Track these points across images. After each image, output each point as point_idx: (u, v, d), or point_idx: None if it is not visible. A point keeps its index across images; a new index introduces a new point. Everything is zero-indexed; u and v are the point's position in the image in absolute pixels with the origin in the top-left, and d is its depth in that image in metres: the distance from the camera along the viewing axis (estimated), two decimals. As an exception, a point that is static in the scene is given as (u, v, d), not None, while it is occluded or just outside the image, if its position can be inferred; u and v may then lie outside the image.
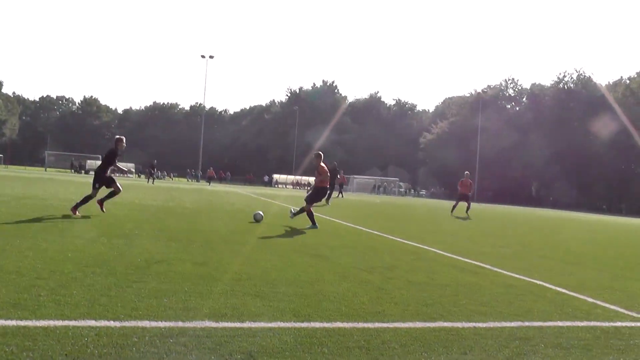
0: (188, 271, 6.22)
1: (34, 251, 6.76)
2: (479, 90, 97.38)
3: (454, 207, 24.93)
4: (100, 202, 12.24)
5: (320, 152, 13.99)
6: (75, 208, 11.57)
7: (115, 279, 5.48)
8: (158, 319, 4.20)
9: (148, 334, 3.84)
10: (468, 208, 24.26)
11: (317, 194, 13.53)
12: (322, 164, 13.56)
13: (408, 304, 5.36)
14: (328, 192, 13.80)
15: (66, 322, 3.94)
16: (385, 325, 4.53)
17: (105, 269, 5.94)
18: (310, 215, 12.74)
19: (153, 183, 44.88)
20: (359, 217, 18.45)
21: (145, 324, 4.07)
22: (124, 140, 12.72)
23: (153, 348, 3.57)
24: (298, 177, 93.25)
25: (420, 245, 10.64)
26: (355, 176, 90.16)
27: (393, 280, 6.56)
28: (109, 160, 12.24)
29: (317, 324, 4.38)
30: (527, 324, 4.94)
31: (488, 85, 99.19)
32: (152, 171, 51.67)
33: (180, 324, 4.14)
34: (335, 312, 4.79)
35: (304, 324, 4.35)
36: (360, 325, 4.46)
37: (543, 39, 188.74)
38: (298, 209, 13.20)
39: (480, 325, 4.77)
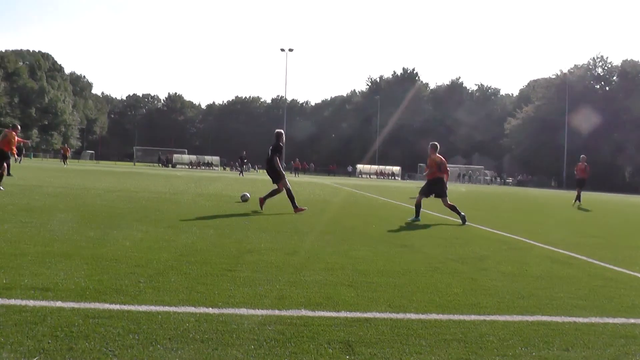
0: (279, 260, 6.27)
1: (130, 241, 7.03)
2: (565, 70, 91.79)
3: (577, 197, 23.21)
4: (262, 200, 12.61)
5: (435, 143, 13.43)
6: (262, 201, 12.49)
7: (210, 268, 5.61)
8: (255, 307, 4.25)
9: (246, 321, 3.89)
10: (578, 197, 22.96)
11: (436, 185, 13.06)
12: (434, 156, 12.93)
13: (503, 296, 5.19)
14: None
15: (166, 308, 4.06)
16: (481, 317, 4.39)
17: (199, 258, 6.09)
18: (418, 207, 12.49)
19: (243, 175, 45.82)
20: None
21: (243, 311, 4.12)
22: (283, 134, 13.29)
23: (252, 335, 3.60)
24: (381, 167, 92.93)
25: (510, 235, 10.32)
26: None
27: (485, 272, 6.38)
28: (278, 154, 12.63)
29: (413, 315, 4.29)
30: (632, 321, 4.62)
31: (575, 65, 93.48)
32: (243, 163, 52.74)
33: (276, 312, 4.17)
34: (430, 304, 4.69)
35: (400, 315, 4.28)
36: (456, 317, 4.34)
37: (634, 8, 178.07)
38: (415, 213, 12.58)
39: (581, 320, 4.51)
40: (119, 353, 3.16)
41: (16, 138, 15.13)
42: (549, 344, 3.83)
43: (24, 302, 4.01)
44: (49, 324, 3.57)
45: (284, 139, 13.03)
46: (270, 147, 12.71)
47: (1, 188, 13.57)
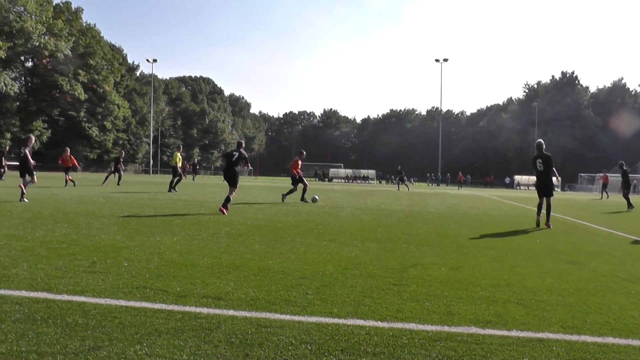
0: (444, 276, 6.17)
1: (294, 253, 7.27)
2: None
3: None
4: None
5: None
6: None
7: (375, 281, 5.64)
8: (424, 322, 4.22)
9: (417, 336, 3.87)
10: None
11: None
12: None
13: (684, 320, 4.70)
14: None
15: (335, 320, 4.15)
16: (663, 344, 4.02)
17: (364, 271, 6.16)
18: None
19: (399, 189, 46.05)
20: (610, 219, 16.87)
21: (412, 326, 4.10)
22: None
23: (423, 350, 3.58)
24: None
25: (693, 252, 9.35)
26: (599, 174, 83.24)
27: (662, 293, 5.82)
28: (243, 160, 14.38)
29: (588, 338, 4.05)
30: None
31: None
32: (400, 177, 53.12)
33: (446, 328, 4.10)
34: (605, 326, 4.39)
35: (574, 337, 4.05)
36: (636, 342, 4.01)
37: None
38: None
39: None
40: (293, 362, 3.25)
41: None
42: None
43: (198, 310, 4.28)
44: (224, 331, 3.78)
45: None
46: (236, 155, 14.08)
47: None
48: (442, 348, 3.65)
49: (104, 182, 29.05)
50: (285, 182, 60.83)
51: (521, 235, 11.09)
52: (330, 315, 4.26)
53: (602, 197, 40.90)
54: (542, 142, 14.29)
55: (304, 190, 19.21)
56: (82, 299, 4.51)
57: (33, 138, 16.27)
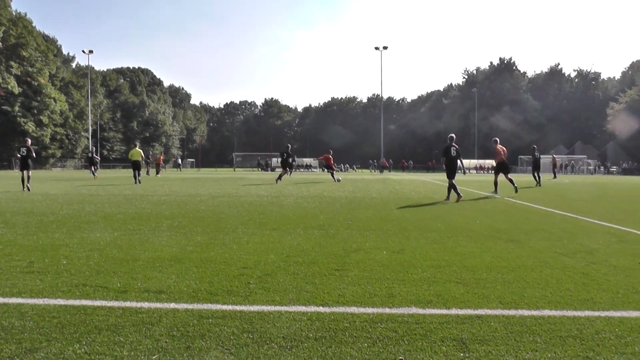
0: (386, 259, 6.27)
1: (237, 244, 7.25)
2: None
3: None
4: None
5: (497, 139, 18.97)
6: None
7: (318, 268, 5.69)
8: (365, 305, 4.29)
9: (358, 319, 3.93)
10: None
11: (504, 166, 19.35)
12: (499, 147, 18.76)
13: (617, 290, 4.94)
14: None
15: (277, 307, 4.17)
16: (596, 313, 4.22)
17: (306, 259, 6.19)
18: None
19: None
20: (549, 199, 17.43)
21: (354, 309, 4.16)
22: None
23: (365, 333, 3.64)
24: (480, 161, 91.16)
25: (620, 227, 9.76)
26: (541, 156, 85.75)
27: (596, 266, 6.08)
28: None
29: (525, 312, 4.21)
30: None
31: None
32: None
33: (387, 310, 4.18)
34: (542, 300, 4.57)
35: (512, 312, 4.20)
36: (570, 313, 4.20)
37: None
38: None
39: None
40: (235, 351, 3.26)
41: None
42: (671, 342, 3.63)
43: (139, 304, 4.23)
44: (165, 325, 3.75)
45: None
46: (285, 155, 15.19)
47: None
48: (383, 329, 3.72)
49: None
50: (229, 173, 60.43)
51: (462, 217, 11.33)
52: (272, 304, 4.27)
53: (554, 177, 43.43)
54: (454, 135, 16.88)
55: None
56: (19, 300, 4.39)
57: None
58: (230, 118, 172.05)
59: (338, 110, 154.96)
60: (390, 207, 13.51)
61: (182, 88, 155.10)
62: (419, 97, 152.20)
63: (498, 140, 19.17)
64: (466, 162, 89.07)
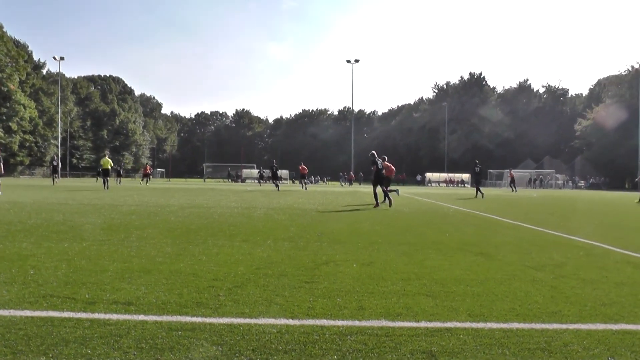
0: (356, 272, 6.29)
1: (206, 255, 7.20)
2: (637, 65, 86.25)
3: None
4: None
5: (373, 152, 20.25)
6: None
7: (287, 280, 5.68)
8: (335, 318, 4.29)
9: (327, 332, 3.93)
10: None
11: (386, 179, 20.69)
12: (386, 163, 20.96)
13: (584, 303, 5.02)
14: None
15: (247, 320, 4.15)
16: (564, 326, 4.27)
17: (276, 271, 6.18)
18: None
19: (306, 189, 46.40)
20: (518, 213, 17.70)
21: (324, 322, 4.16)
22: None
23: (334, 345, 3.65)
24: (450, 175, 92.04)
25: (588, 241, 9.95)
26: (481, 170, 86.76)
27: (564, 279, 6.18)
28: None
29: (494, 325, 4.25)
30: None
31: None
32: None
33: (357, 322, 4.18)
34: (510, 312, 4.62)
35: (481, 324, 4.24)
36: (538, 326, 4.25)
37: None
38: None
39: (671, 329, 4.32)
40: (204, 364, 3.23)
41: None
42: (637, 354, 3.71)
43: (107, 316, 4.18)
44: (134, 337, 3.71)
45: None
46: None
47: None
48: (353, 342, 3.72)
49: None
50: (199, 184, 60.05)
51: (432, 230, 11.43)
52: (241, 316, 4.25)
53: (513, 191, 47.02)
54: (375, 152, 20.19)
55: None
56: (-16, 312, 4.30)
57: None
58: (201, 128, 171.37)
59: (309, 122, 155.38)
60: (361, 219, 13.56)
61: (154, 97, 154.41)
62: (389, 110, 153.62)
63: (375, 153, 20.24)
64: (436, 176, 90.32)
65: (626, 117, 79.16)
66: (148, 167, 58.93)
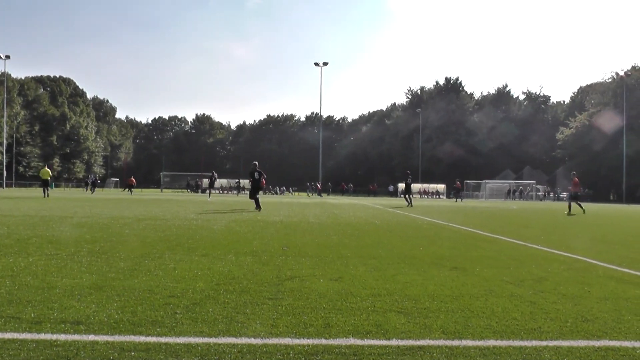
0: (323, 287, 6.29)
1: (163, 270, 7.14)
2: (622, 73, 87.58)
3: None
4: None
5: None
6: None
7: (250, 297, 5.66)
8: (300, 336, 4.28)
9: (292, 351, 3.92)
10: None
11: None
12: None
13: (565, 319, 5.09)
14: None
15: (206, 339, 4.12)
16: (543, 343, 4.32)
17: (237, 287, 6.15)
18: None
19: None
20: (496, 225, 17.94)
21: (287, 341, 4.15)
22: None
23: (299, 366, 3.63)
24: (425, 185, 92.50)
25: (569, 254, 10.11)
26: (487, 181, 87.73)
27: (544, 294, 6.27)
28: None
29: (469, 342, 4.27)
30: None
31: (633, 67, 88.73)
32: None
33: (323, 341, 4.18)
34: (487, 329, 4.65)
35: (455, 342, 4.26)
36: (517, 343, 4.29)
37: None
38: None
39: (654, 345, 4.41)
40: (159, 387, 3.21)
41: None
42: (620, 372, 3.77)
43: (54, 337, 4.11)
44: (83, 358, 3.67)
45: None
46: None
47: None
48: (319, 362, 3.73)
49: None
50: (156, 194, 59.46)
51: (405, 243, 11.49)
52: (200, 335, 4.22)
53: (456, 201, 51.96)
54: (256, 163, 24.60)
55: None
56: None
57: None
58: (159, 135, 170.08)
59: (274, 128, 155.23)
60: (328, 232, 13.59)
61: (107, 100, 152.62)
62: (360, 116, 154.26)
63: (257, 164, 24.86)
64: (412, 186, 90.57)
65: (610, 125, 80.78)
66: (132, 179, 60.05)
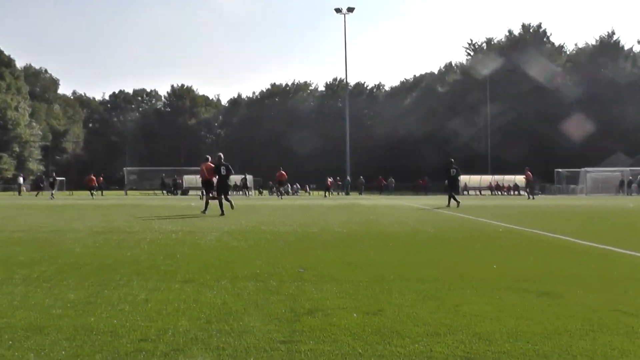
0: (357, 324, 6.24)
1: (130, 303, 7.13)
2: None
3: None
4: None
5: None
6: None
7: (255, 339, 5.61)
8: (327, 398, 4.24)
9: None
10: None
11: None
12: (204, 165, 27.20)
13: None
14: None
15: (193, 403, 4.07)
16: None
17: (235, 325, 6.11)
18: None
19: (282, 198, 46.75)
20: (601, 231, 17.79)
21: (309, 405, 4.11)
22: None
23: None
24: (497, 177, 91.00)
25: None
26: (589, 169, 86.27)
27: (679, 330, 6.15)
28: None
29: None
30: None
31: None
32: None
33: (360, 404, 4.14)
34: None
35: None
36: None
37: None
38: None
39: None
40: None
41: None
42: None
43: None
44: None
45: None
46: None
47: None
48: None
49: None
50: (118, 197, 59.83)
51: (469, 259, 11.41)
52: (185, 396, 4.20)
53: (530, 198, 53.29)
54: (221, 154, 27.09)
55: None
56: None
57: None
58: (120, 115, 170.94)
59: (281, 102, 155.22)
60: (361, 246, 13.56)
61: (45, 70, 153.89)
62: (402, 82, 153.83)
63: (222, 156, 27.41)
64: (474, 180, 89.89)
65: None
66: (92, 178, 61.08)
